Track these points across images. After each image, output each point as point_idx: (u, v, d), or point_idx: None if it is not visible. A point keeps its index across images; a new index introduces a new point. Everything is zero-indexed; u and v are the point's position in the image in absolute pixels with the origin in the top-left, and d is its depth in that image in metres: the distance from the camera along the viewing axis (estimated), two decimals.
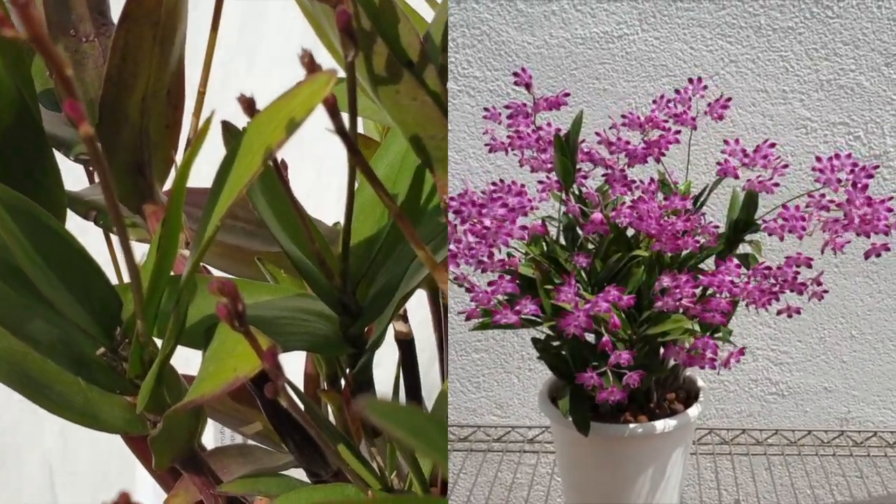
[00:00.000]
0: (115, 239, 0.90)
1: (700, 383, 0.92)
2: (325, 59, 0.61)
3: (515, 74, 0.86)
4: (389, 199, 0.61)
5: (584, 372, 0.81)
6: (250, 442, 0.91)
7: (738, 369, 1.18)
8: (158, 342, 0.67)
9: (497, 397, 1.21)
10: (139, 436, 0.72)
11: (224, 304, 0.54)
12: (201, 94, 0.80)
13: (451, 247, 0.79)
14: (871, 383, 1.18)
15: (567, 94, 0.87)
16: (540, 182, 0.87)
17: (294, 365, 0.78)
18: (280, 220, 0.71)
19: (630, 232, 0.85)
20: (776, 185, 0.82)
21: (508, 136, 0.87)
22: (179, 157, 0.79)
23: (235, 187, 0.58)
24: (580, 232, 0.86)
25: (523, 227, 0.79)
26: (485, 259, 0.80)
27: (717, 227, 0.85)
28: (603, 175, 0.86)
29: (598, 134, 0.86)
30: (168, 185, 0.79)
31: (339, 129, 0.57)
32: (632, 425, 0.86)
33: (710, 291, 0.83)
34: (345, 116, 0.60)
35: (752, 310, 0.83)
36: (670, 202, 0.83)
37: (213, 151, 0.61)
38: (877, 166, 0.81)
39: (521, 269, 0.84)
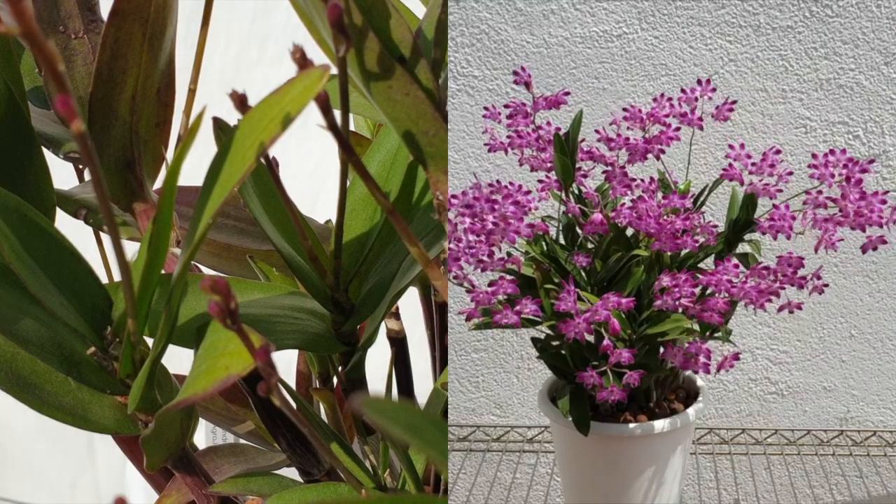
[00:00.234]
0: (105, 238, 0.89)
1: (700, 383, 0.92)
2: (318, 56, 0.61)
3: (515, 73, 0.86)
4: (382, 196, 0.61)
5: (585, 371, 0.81)
6: (242, 441, 0.90)
7: (738, 369, 1.18)
8: (149, 341, 0.66)
9: (496, 397, 1.21)
10: (130, 436, 0.72)
11: (216, 301, 0.53)
12: (192, 92, 0.79)
13: (451, 245, 0.79)
14: (871, 383, 1.18)
15: (567, 93, 0.87)
16: (540, 181, 0.87)
17: (286, 363, 0.78)
18: (272, 217, 0.70)
19: (630, 231, 0.85)
20: (779, 190, 0.82)
21: (508, 136, 0.87)
22: (170, 156, 0.79)
23: (228, 184, 0.57)
24: (580, 232, 0.86)
25: (530, 226, 0.79)
26: (485, 258, 0.80)
27: (715, 226, 0.84)
28: (603, 173, 0.86)
29: (597, 132, 0.86)
30: (159, 184, 0.79)
31: (332, 126, 0.57)
32: (631, 425, 0.85)
33: (709, 291, 0.82)
34: (337, 114, 0.59)
35: (752, 310, 0.83)
36: (669, 201, 0.82)
37: (206, 149, 0.60)
38: (872, 161, 0.79)
39: (523, 269, 0.83)
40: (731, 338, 0.87)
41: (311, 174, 1.68)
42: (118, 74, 0.72)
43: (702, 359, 0.81)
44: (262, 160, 0.61)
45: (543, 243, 0.86)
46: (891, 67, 1.10)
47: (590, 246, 0.87)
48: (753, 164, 0.82)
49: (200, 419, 0.86)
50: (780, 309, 0.84)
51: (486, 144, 0.88)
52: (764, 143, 1.10)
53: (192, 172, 0.63)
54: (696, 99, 0.86)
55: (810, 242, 0.81)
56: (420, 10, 0.79)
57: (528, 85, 0.86)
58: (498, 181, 0.81)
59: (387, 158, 0.77)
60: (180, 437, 0.70)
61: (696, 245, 0.82)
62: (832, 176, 0.78)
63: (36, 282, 0.63)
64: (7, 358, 0.66)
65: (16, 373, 0.66)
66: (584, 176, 0.87)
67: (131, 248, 0.66)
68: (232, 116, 0.62)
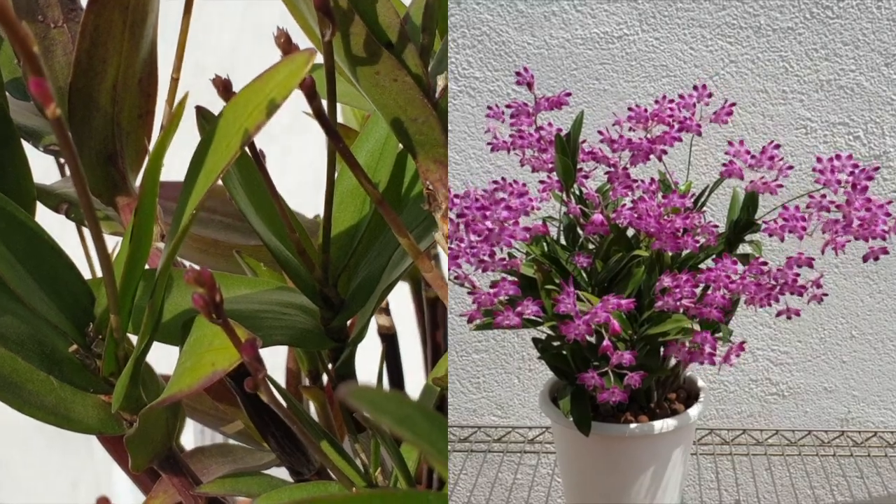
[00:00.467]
0: (87, 233, 0.87)
1: (700, 383, 0.92)
2: (304, 44, 0.59)
3: (517, 74, 0.86)
4: (371, 186, 0.60)
5: (586, 372, 0.80)
6: (231, 441, 0.89)
7: (739, 370, 1.18)
8: (134, 339, 0.64)
9: (497, 398, 1.20)
10: (115, 436, 0.69)
11: (200, 294, 0.51)
12: (175, 81, 0.77)
13: (453, 245, 0.78)
14: (872, 383, 1.17)
15: (568, 94, 0.86)
16: (541, 182, 0.87)
17: (275, 361, 0.78)
18: (259, 210, 0.69)
19: (630, 232, 0.85)
20: (780, 185, 0.81)
21: (511, 136, 0.86)
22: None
23: (212, 173, 0.55)
24: (581, 232, 0.86)
25: (526, 229, 0.78)
26: (486, 258, 0.79)
27: (716, 226, 0.84)
28: (605, 173, 0.85)
29: (600, 132, 0.86)
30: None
31: (318, 112, 0.56)
32: (632, 425, 0.85)
33: (708, 288, 0.82)
34: (324, 103, 0.58)
35: (752, 310, 0.83)
36: (669, 200, 0.82)
37: (194, 143, 0.58)
38: (877, 168, 0.80)
39: (523, 269, 0.83)
40: (732, 338, 0.85)
41: (299, 170, 1.65)
42: (98, 63, 0.70)
43: (707, 349, 0.81)
44: (248, 151, 0.59)
45: (544, 244, 0.86)
46: (891, 69, 1.09)
47: (591, 246, 0.86)
48: (753, 157, 0.81)
49: (188, 419, 0.86)
50: (779, 314, 0.83)
51: (488, 144, 0.87)
52: (765, 144, 1.09)
53: (182, 167, 0.61)
54: (694, 105, 0.86)
55: (808, 245, 0.80)
56: None
57: (530, 86, 0.86)
58: (503, 178, 0.80)
59: (375, 148, 0.75)
60: (166, 436, 0.68)
61: (697, 245, 0.82)
62: (838, 182, 0.78)
63: (16, 277, 0.61)
64: None
65: None
66: (586, 177, 0.86)
67: (115, 244, 0.65)
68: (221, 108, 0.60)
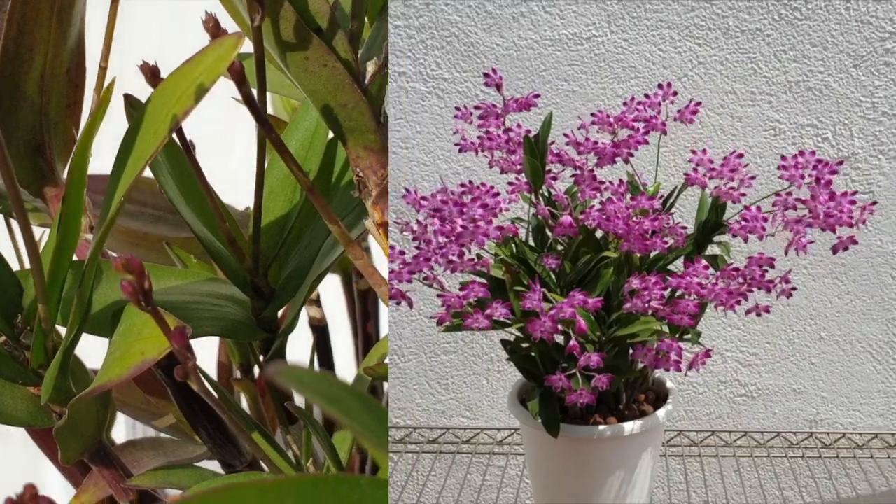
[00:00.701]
0: (16, 224, 0.85)
1: (669, 385, 0.91)
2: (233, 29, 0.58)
3: (486, 75, 0.85)
4: (301, 173, 0.59)
5: (554, 374, 0.79)
6: (163, 435, 0.88)
7: (707, 371, 1.18)
8: (63, 330, 0.63)
9: (466, 399, 1.20)
10: (44, 429, 0.68)
11: (129, 280, 0.50)
12: (103, 70, 0.76)
13: (422, 247, 0.77)
14: (840, 385, 1.18)
15: (537, 96, 0.85)
16: (510, 183, 0.85)
17: (206, 354, 0.77)
18: (189, 201, 0.68)
19: (599, 233, 0.84)
20: (743, 194, 0.81)
21: (479, 137, 0.85)
22: None
23: (140, 160, 0.54)
24: (549, 234, 0.85)
25: (499, 228, 0.78)
26: (455, 259, 0.78)
27: (685, 227, 0.83)
28: (572, 176, 0.85)
29: (566, 135, 0.85)
30: None
31: (247, 98, 0.56)
32: (601, 427, 0.84)
33: (678, 293, 0.81)
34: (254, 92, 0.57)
35: (721, 311, 0.81)
36: (637, 202, 0.81)
37: (122, 133, 0.57)
38: (840, 162, 0.79)
39: (493, 271, 0.82)
40: (701, 340, 0.85)
41: (228, 162, 1.64)
42: (25, 52, 0.68)
43: (673, 356, 0.80)
44: (178, 139, 0.58)
45: (513, 245, 0.85)
46: (859, 70, 1.10)
47: (559, 248, 0.85)
48: (713, 168, 0.81)
49: (119, 414, 0.85)
50: (749, 312, 0.82)
51: (456, 144, 0.86)
52: (733, 146, 1.11)
53: (113, 159, 0.59)
54: (659, 103, 0.85)
55: (780, 245, 0.79)
56: None
57: (499, 87, 0.84)
58: (470, 181, 0.79)
59: (305, 137, 0.75)
60: (96, 429, 0.67)
61: (666, 247, 0.81)
62: (802, 177, 0.78)
63: None
64: None
65: None
66: (554, 178, 0.85)
67: (42, 233, 0.63)
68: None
